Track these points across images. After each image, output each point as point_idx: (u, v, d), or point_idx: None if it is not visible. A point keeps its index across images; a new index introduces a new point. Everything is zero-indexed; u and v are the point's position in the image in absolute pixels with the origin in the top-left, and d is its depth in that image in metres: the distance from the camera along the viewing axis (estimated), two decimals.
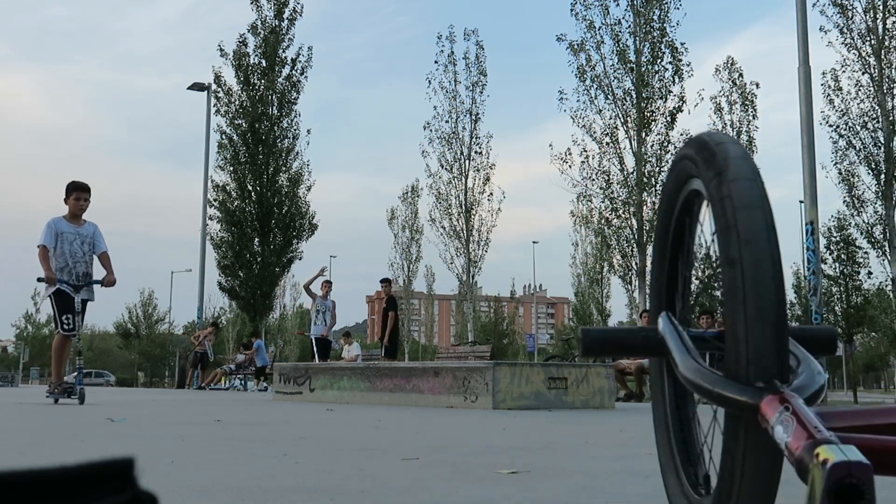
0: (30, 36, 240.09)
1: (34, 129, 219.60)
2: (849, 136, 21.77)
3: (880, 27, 20.73)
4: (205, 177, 24.62)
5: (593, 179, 22.18)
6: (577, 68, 22.33)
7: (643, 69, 21.86)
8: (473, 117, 28.86)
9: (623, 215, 21.82)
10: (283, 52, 27.22)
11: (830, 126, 22.10)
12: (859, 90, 21.31)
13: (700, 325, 13.14)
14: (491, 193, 28.86)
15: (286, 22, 27.36)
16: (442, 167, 28.90)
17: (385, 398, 7.48)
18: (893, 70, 20.81)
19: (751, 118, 33.94)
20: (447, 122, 28.95)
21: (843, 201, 22.60)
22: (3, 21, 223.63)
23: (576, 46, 22.44)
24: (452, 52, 29.37)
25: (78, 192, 6.64)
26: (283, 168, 26.96)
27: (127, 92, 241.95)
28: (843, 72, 21.60)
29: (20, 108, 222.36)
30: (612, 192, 21.94)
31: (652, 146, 21.75)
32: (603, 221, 22.66)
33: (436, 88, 29.04)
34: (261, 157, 26.47)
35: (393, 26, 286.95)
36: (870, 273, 29.40)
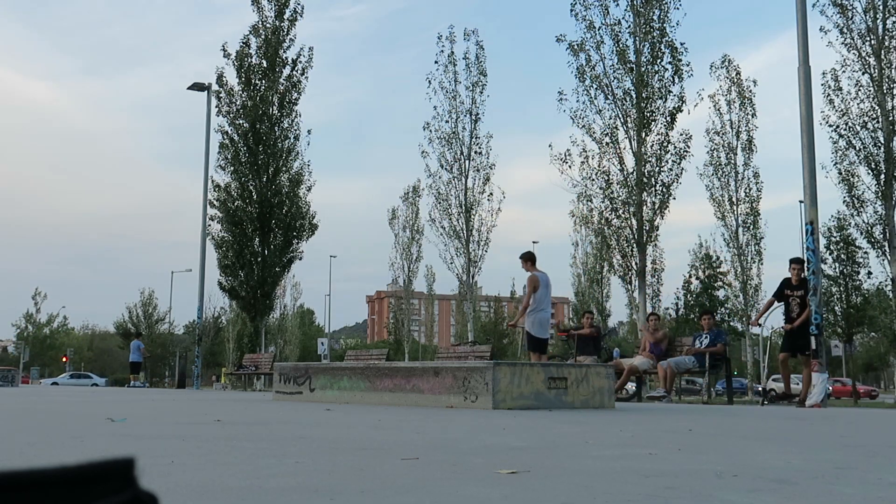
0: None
1: (32, 133, 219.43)
2: (849, 136, 21.75)
3: (880, 27, 20.72)
4: (205, 176, 24.63)
5: (593, 179, 22.19)
6: (577, 69, 22.35)
7: (643, 69, 21.86)
8: (473, 117, 28.87)
9: (623, 215, 21.80)
10: (284, 52, 27.23)
11: (830, 126, 22.08)
12: (859, 90, 21.30)
13: (701, 325, 13.11)
14: (491, 193, 28.87)
15: (286, 22, 27.38)
16: (442, 167, 28.91)
17: (385, 398, 7.47)
18: (893, 70, 20.80)
19: (750, 116, 34.01)
20: (447, 122, 28.95)
21: (843, 201, 22.58)
22: None
23: (576, 47, 22.45)
24: (452, 53, 29.38)
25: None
26: (284, 168, 26.97)
27: (127, 92, 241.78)
28: (843, 72, 21.60)
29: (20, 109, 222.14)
30: (612, 192, 21.94)
31: (652, 146, 21.75)
32: (603, 221, 22.64)
33: (436, 88, 29.05)
34: (261, 157, 26.48)
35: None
36: (870, 273, 29.40)
